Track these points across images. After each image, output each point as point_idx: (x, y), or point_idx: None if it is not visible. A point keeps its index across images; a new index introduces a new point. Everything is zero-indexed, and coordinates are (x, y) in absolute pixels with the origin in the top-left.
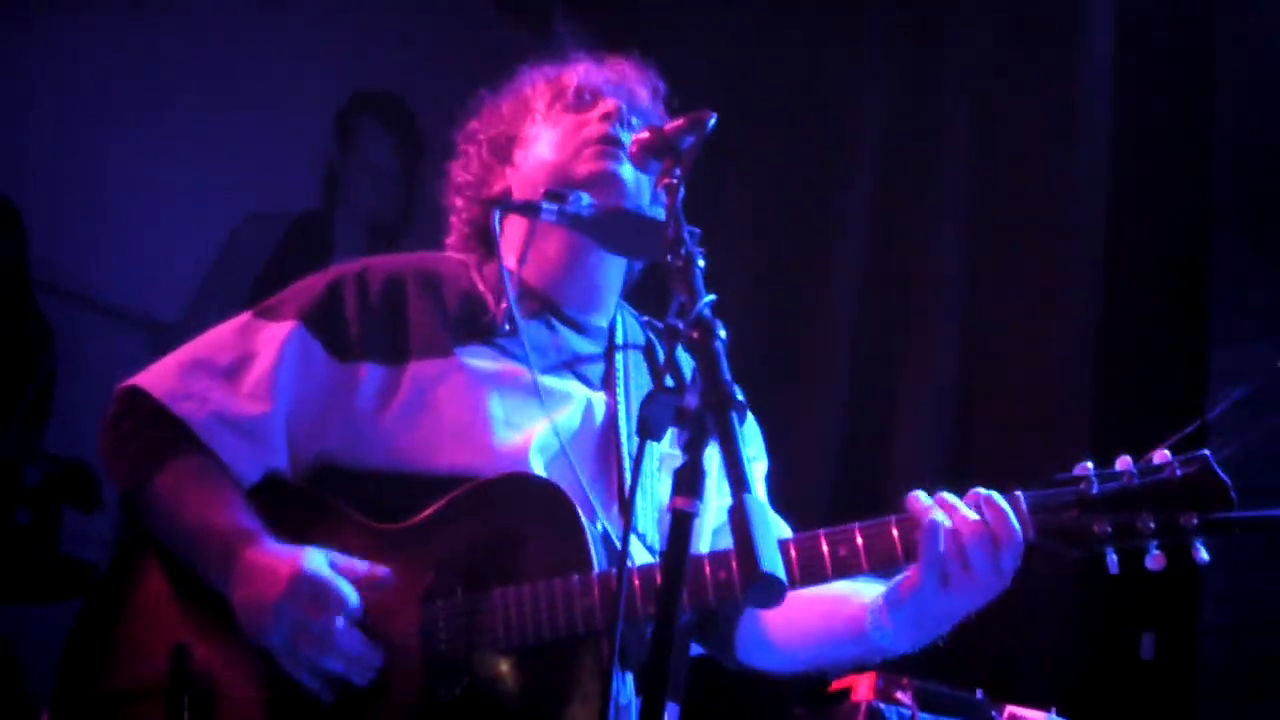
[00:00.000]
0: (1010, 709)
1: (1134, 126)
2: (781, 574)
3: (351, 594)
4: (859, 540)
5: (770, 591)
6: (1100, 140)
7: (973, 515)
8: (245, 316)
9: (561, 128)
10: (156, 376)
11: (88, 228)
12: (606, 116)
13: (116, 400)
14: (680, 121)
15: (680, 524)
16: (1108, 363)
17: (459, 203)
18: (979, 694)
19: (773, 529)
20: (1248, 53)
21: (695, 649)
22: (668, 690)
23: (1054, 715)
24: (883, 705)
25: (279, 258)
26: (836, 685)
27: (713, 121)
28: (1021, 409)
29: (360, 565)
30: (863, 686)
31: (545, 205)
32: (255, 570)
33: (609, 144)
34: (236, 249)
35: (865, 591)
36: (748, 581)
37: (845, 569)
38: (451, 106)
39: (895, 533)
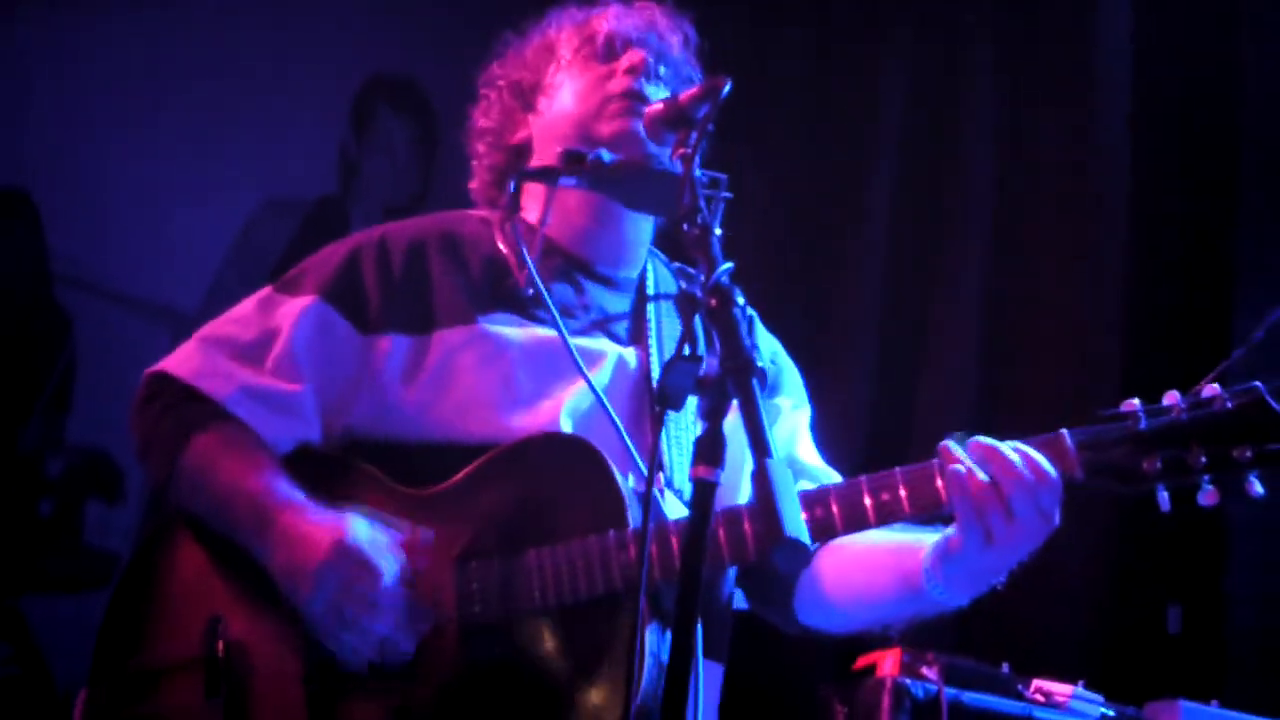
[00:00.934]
0: (1037, 683)
1: (1156, 93)
2: (805, 537)
3: (398, 556)
4: (901, 489)
5: (794, 554)
6: (1122, 108)
7: (1011, 458)
8: (266, 291)
9: (586, 79)
10: (181, 358)
11: (105, 219)
12: (632, 70)
13: (143, 386)
14: (694, 90)
15: (701, 492)
16: (1133, 329)
17: (480, 149)
18: (1005, 668)
19: (794, 492)
20: (1274, 14)
21: (744, 606)
22: (694, 653)
23: (1082, 689)
24: (908, 681)
25: (296, 245)
26: (862, 661)
27: (727, 88)
28: (1048, 377)
29: (402, 527)
30: (888, 662)
31: (564, 172)
32: (294, 537)
33: (633, 99)
34: (253, 237)
35: (919, 545)
36: (771, 545)
37: (889, 515)
38: (467, 90)
39: (939, 481)
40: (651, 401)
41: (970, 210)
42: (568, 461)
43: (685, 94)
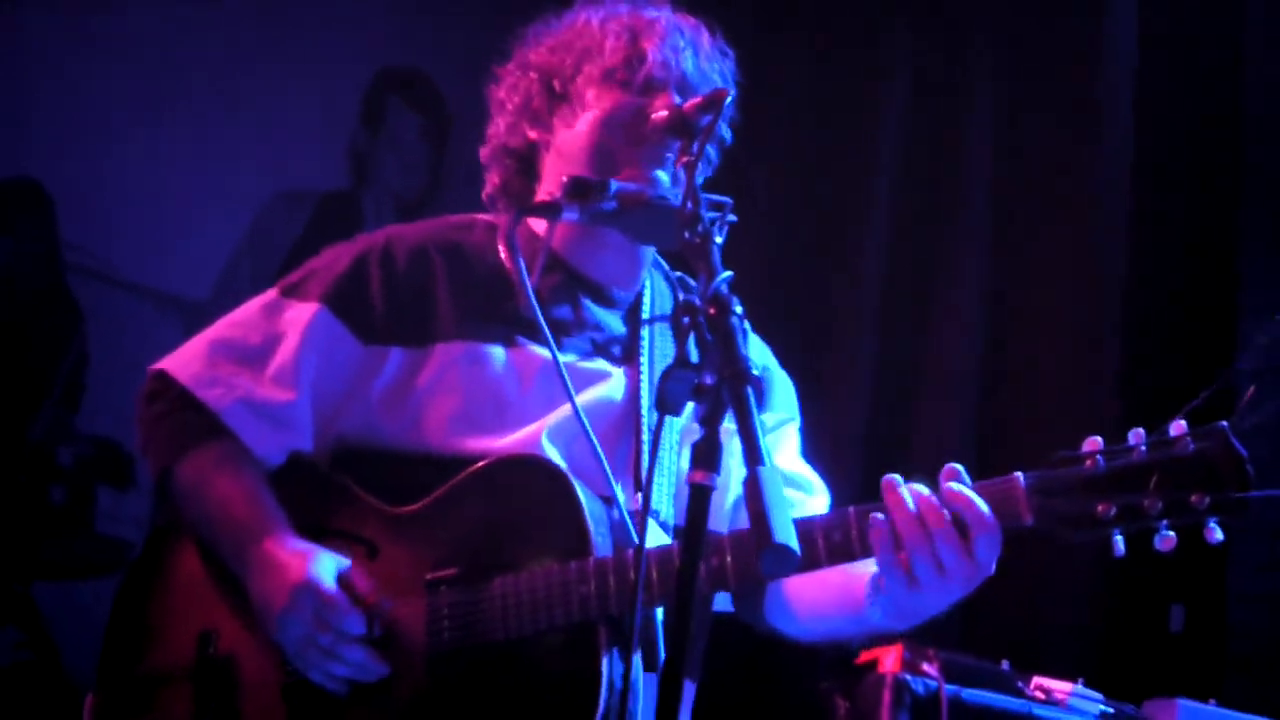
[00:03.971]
0: (1037, 680)
1: (1159, 100)
2: (794, 544)
3: (352, 610)
4: (819, 539)
5: (783, 560)
6: (1125, 114)
7: (942, 513)
8: (272, 294)
9: (615, 111)
10: (183, 360)
11: (118, 210)
12: (660, 123)
13: (147, 382)
14: (697, 100)
15: (698, 497)
16: (1134, 340)
17: (502, 126)
18: (1005, 665)
19: (786, 500)
20: (1277, 20)
21: (723, 609)
22: (687, 665)
23: (1081, 686)
24: (909, 677)
25: (307, 237)
26: (864, 657)
27: (730, 99)
28: (1048, 387)
29: (365, 573)
30: (889, 659)
31: (566, 207)
32: (268, 566)
33: (659, 150)
34: (265, 228)
35: (864, 573)
36: (760, 551)
37: (842, 556)
38: (477, 83)
39: (854, 530)
40: (638, 422)
41: (970, 217)
42: (535, 485)
43: (689, 103)
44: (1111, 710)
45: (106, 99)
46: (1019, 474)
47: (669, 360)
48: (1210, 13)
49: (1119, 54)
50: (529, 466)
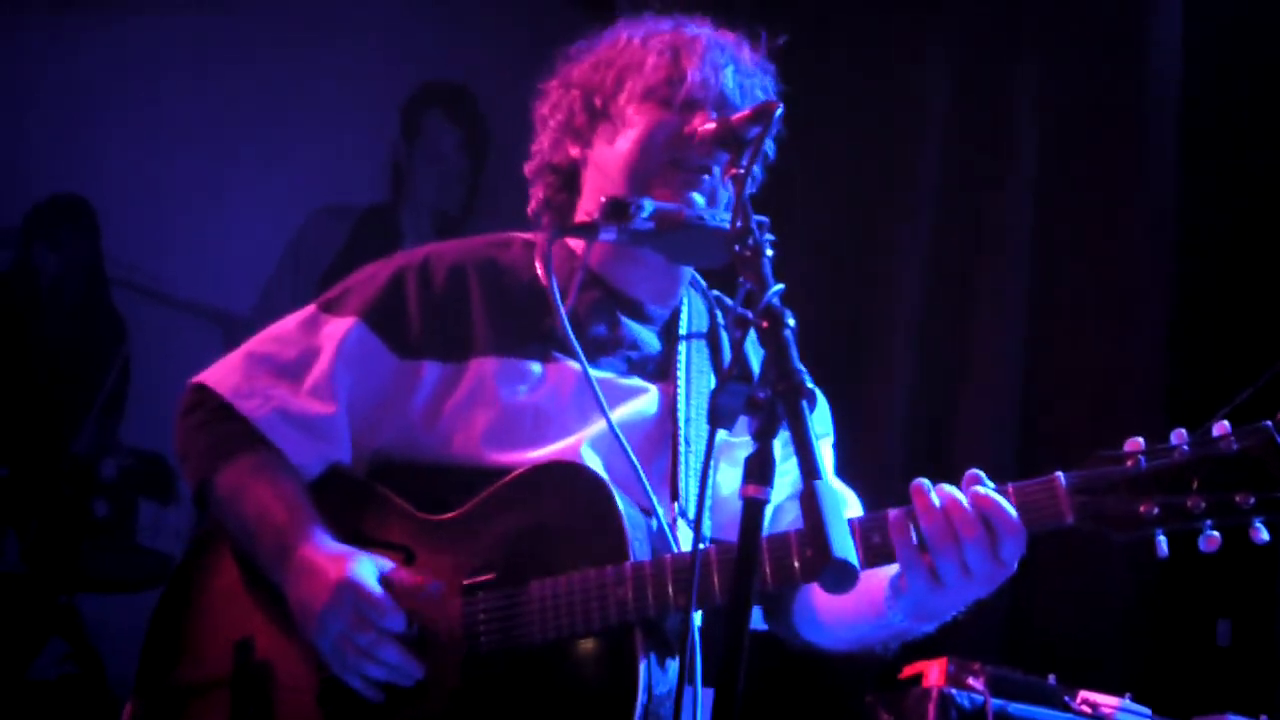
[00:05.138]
0: (1084, 694)
1: (1207, 106)
2: (854, 559)
3: (392, 608)
4: (858, 540)
5: (842, 576)
6: (1170, 110)
7: (969, 514)
8: (310, 309)
9: (655, 130)
10: (222, 373)
11: (161, 225)
12: (702, 144)
13: (186, 395)
14: (746, 112)
15: (752, 511)
16: (1180, 340)
17: (545, 142)
18: (1052, 679)
19: (844, 515)
20: None
21: (757, 627)
22: (741, 675)
23: (1129, 701)
24: (955, 691)
25: (347, 251)
26: (908, 671)
27: (779, 112)
28: (1091, 388)
29: (405, 574)
30: (934, 672)
31: (603, 228)
32: (305, 571)
33: (696, 172)
34: (306, 243)
35: (885, 573)
36: (820, 567)
37: (878, 559)
38: (516, 97)
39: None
40: (676, 436)
41: (1013, 225)
42: (574, 491)
43: (737, 115)
44: None
45: (151, 115)
46: (1060, 473)
47: (705, 376)
48: (1258, 20)
49: (1164, 48)
50: (568, 473)
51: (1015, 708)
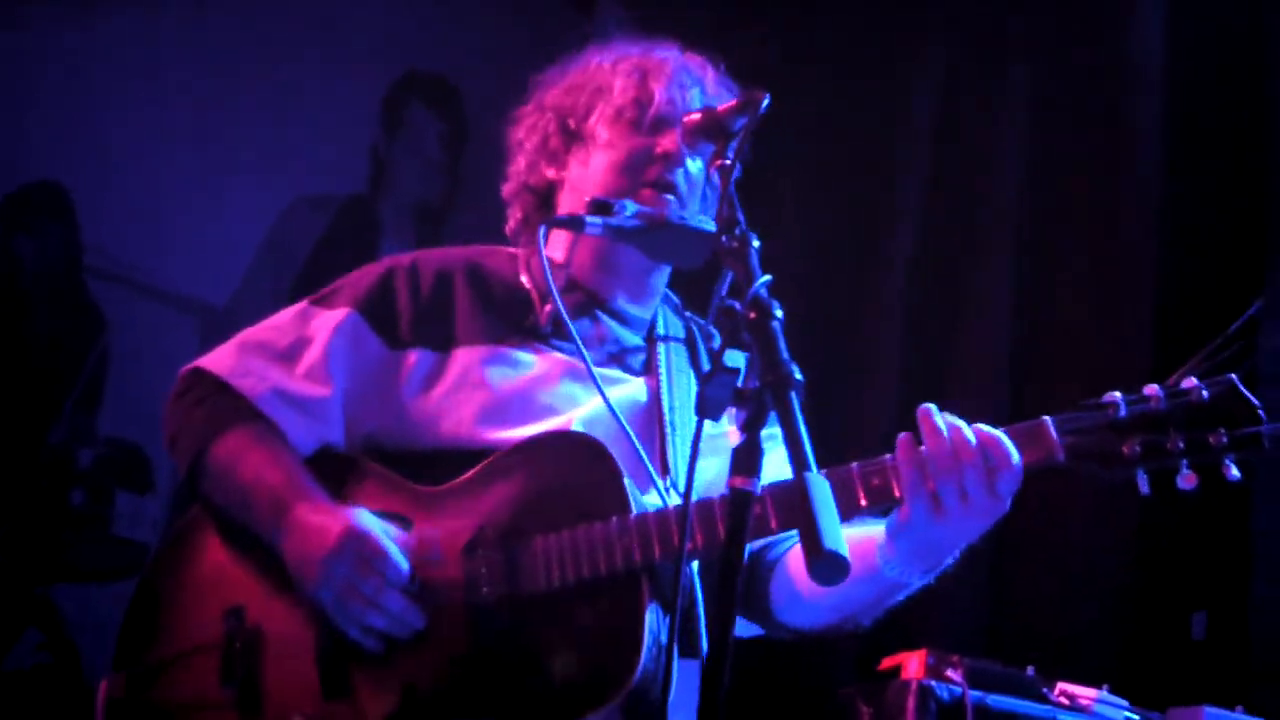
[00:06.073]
0: (1062, 686)
1: (1190, 106)
2: (845, 552)
3: (398, 556)
4: (858, 483)
5: (834, 568)
6: (1155, 121)
7: (970, 440)
8: (302, 304)
9: (625, 151)
10: (217, 357)
11: (139, 214)
12: (667, 158)
13: (179, 381)
14: (732, 103)
15: (738, 502)
16: (1163, 345)
17: (521, 165)
18: (1030, 671)
19: (833, 507)
20: None
21: (751, 629)
22: (729, 653)
23: (1106, 693)
24: (933, 683)
25: (326, 242)
26: (886, 663)
27: (765, 102)
28: (1077, 384)
29: (405, 535)
30: (913, 664)
31: (589, 220)
32: (307, 526)
33: (661, 189)
34: (284, 233)
35: (874, 530)
36: (812, 559)
37: (880, 497)
38: (497, 89)
39: (890, 476)
40: (660, 424)
41: (999, 224)
42: (573, 455)
43: (723, 105)
44: (1136, 717)
45: (128, 103)
46: (1047, 417)
47: (685, 375)
48: (1239, 16)
49: (1149, 45)
50: (567, 439)
51: (994, 699)
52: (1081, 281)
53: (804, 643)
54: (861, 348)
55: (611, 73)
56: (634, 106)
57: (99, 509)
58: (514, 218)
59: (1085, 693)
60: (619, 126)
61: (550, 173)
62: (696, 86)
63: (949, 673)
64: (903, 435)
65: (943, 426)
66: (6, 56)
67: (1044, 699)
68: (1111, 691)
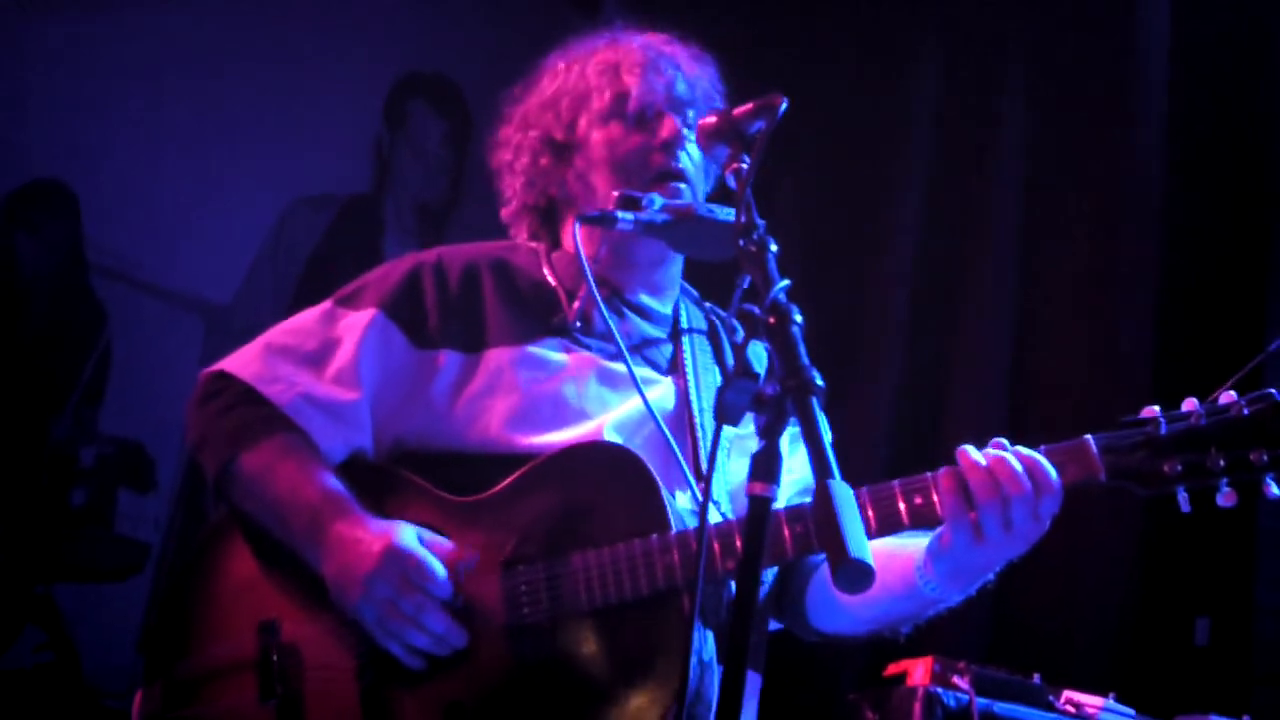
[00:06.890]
0: (1068, 694)
1: (1193, 110)
2: (869, 559)
3: (441, 573)
4: (933, 494)
5: (858, 576)
6: (1158, 125)
7: (1016, 468)
8: (327, 305)
9: (621, 149)
10: (243, 361)
11: (141, 211)
12: (667, 146)
13: (202, 384)
14: (749, 106)
15: (758, 508)
16: (1165, 350)
17: (517, 186)
18: (1036, 679)
19: (857, 513)
20: None
21: (774, 624)
22: (747, 661)
23: (1113, 701)
24: (940, 690)
25: (329, 240)
26: (892, 669)
27: (784, 106)
28: (1078, 390)
29: (447, 543)
30: (919, 671)
31: (621, 216)
32: (346, 543)
33: (670, 179)
34: (287, 232)
35: (914, 545)
36: (836, 567)
37: (922, 519)
38: (500, 88)
39: (933, 494)
40: (691, 426)
41: (1001, 221)
42: (611, 469)
43: (739, 109)
44: None
45: (133, 101)
46: (1089, 436)
47: (710, 372)
48: (1240, 16)
49: (1151, 37)
50: (603, 451)
51: (1000, 707)
52: (1082, 283)
53: (827, 645)
54: (861, 350)
55: (584, 75)
56: (618, 103)
57: (100, 508)
58: (520, 238)
59: (1091, 700)
60: (609, 127)
61: (550, 190)
62: (672, 68)
63: (955, 679)
64: (942, 471)
65: (980, 460)
66: (8, 55)
67: (1050, 707)
68: (1118, 699)
